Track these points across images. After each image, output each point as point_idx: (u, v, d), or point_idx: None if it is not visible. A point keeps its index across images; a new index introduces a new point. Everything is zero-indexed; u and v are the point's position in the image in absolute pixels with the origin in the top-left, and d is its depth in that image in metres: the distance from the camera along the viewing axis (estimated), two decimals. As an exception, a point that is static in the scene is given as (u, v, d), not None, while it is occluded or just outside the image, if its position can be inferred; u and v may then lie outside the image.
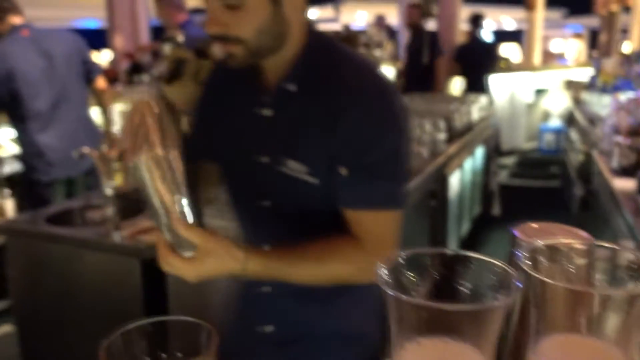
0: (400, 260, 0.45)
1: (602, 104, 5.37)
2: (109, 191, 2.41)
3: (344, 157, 1.19)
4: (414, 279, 0.46)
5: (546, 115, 9.06)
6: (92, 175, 3.46)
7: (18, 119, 3.33)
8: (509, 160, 8.19)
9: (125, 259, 2.32)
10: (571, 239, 0.59)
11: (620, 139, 3.35)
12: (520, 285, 0.40)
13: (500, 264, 0.43)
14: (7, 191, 3.76)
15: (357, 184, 1.19)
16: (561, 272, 0.49)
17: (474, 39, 6.87)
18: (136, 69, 5.10)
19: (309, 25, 1.28)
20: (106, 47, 6.97)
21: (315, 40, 1.28)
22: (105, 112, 3.76)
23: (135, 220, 2.52)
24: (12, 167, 3.85)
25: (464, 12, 9.07)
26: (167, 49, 3.63)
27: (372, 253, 1.18)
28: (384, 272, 0.44)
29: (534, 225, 0.63)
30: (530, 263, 0.45)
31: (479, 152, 5.19)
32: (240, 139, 1.38)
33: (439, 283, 0.46)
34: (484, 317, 0.41)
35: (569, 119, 6.99)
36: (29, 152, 3.36)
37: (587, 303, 0.43)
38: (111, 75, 5.43)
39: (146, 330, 0.62)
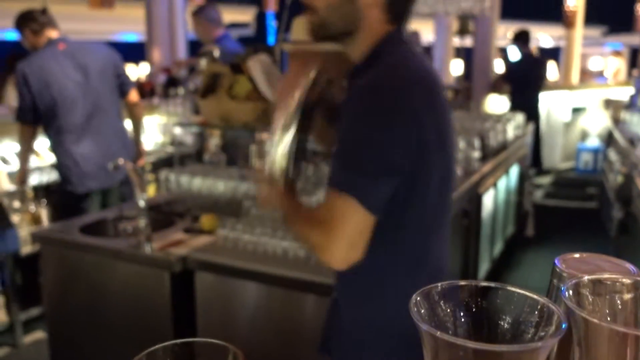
0: (436, 292, 0.43)
1: (643, 125, 5.24)
2: (141, 203, 2.43)
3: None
4: (450, 311, 0.44)
5: (584, 135, 8.86)
6: (126, 186, 3.51)
7: (54, 131, 3.40)
8: (545, 180, 8.02)
9: (155, 270, 2.33)
10: (617, 272, 0.55)
11: (662, 161, 3.24)
12: (565, 326, 0.38)
13: (543, 301, 0.41)
14: (43, 200, 3.83)
15: (332, 165, 1.34)
16: (606, 309, 0.46)
17: (523, 56, 6.74)
18: (172, 82, 5.18)
19: (391, 33, 1.37)
20: (144, 60, 7.12)
21: (388, 45, 1.36)
22: (137, 125, 3.81)
23: (166, 232, 2.54)
24: (50, 177, 3.92)
25: (500, 30, 8.99)
26: (203, 63, 3.67)
27: (322, 231, 1.29)
28: (418, 301, 0.42)
29: (576, 255, 0.60)
30: (574, 300, 0.42)
31: (514, 171, 5.10)
32: None
33: (476, 317, 0.44)
34: (525, 357, 0.38)
35: (608, 139, 6.82)
36: (65, 164, 3.42)
37: (633, 344, 0.40)
38: (148, 88, 5.53)
39: (172, 351, 0.61)
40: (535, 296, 0.41)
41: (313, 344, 1.67)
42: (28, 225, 3.66)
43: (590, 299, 0.48)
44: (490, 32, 7.71)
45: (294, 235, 1.55)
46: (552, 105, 8.47)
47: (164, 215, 2.79)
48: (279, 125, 1.42)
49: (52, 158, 3.54)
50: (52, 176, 3.87)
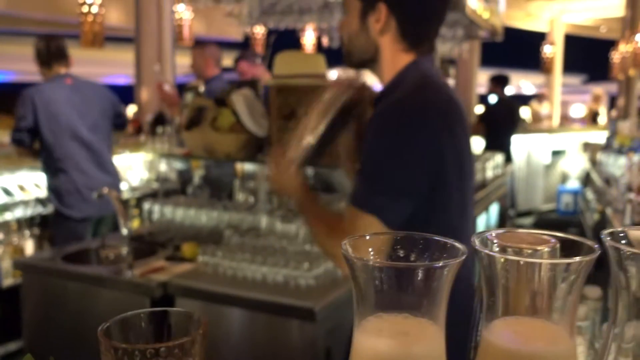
0: (365, 238, 0.51)
1: (617, 165, 5.39)
2: (124, 231, 2.48)
3: None
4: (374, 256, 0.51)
5: (564, 177, 9.04)
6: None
7: (57, 157, 3.57)
8: (527, 221, 8.13)
9: (136, 296, 2.36)
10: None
11: (632, 196, 3.36)
12: (464, 252, 0.46)
13: (450, 241, 0.49)
14: (27, 232, 3.86)
15: (355, 183, 1.45)
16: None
17: (499, 99, 6.96)
18: (160, 121, 5.27)
19: (411, 62, 1.49)
20: (133, 102, 7.24)
21: (409, 72, 1.47)
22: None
23: (148, 260, 2.58)
24: (35, 210, 3.97)
25: (482, 77, 9.27)
26: (188, 97, 3.78)
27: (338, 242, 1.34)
28: (348, 247, 0.49)
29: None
30: (481, 244, 0.50)
31: (494, 209, 5.20)
32: None
33: (398, 260, 0.51)
34: (433, 281, 0.46)
35: (585, 180, 6.98)
36: (66, 188, 3.57)
37: (530, 278, 0.48)
38: (135, 125, 5.62)
39: (143, 318, 0.68)
40: (444, 239, 0.49)
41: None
42: (10, 258, 3.67)
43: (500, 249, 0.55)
44: (470, 77, 7.95)
45: (305, 224, 1.69)
46: (532, 147, 8.67)
47: (146, 245, 2.83)
48: (309, 126, 1.55)
49: (50, 183, 3.68)
50: (36, 209, 3.92)
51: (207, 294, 2.27)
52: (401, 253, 0.51)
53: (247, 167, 3.62)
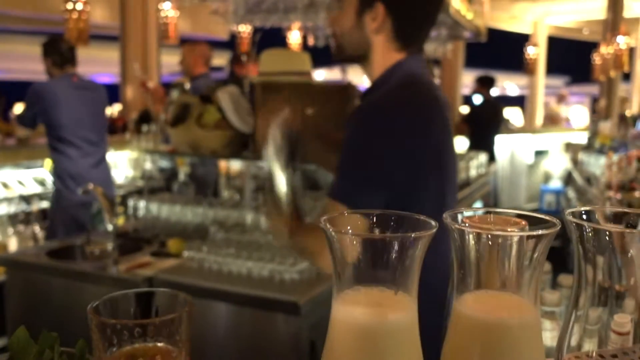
0: (343, 217, 0.54)
1: (598, 164, 5.48)
2: (109, 226, 2.49)
3: None
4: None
5: (547, 177, 9.16)
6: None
7: (63, 145, 3.72)
8: (510, 220, 8.22)
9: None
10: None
11: (611, 194, 3.43)
12: (435, 227, 0.49)
13: (422, 217, 0.52)
14: (10, 229, 3.85)
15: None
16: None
17: (483, 100, 7.04)
18: (145, 118, 5.26)
19: (400, 61, 1.52)
20: (118, 101, 7.22)
21: (396, 71, 1.50)
22: None
23: (134, 256, 2.59)
24: (18, 207, 3.97)
25: (468, 78, 9.36)
26: (174, 94, 3.79)
27: (315, 238, 1.41)
28: (326, 224, 0.52)
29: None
30: (452, 220, 0.53)
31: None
32: None
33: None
34: (406, 254, 0.49)
35: (567, 179, 7.08)
36: (68, 172, 3.72)
37: (496, 252, 0.51)
38: (120, 123, 5.61)
39: (131, 298, 0.70)
40: (417, 216, 0.52)
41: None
42: (-6, 255, 3.66)
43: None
44: (455, 78, 8.03)
45: (297, 252, 1.74)
46: (516, 147, 8.77)
47: (131, 241, 2.84)
48: (273, 160, 1.59)
49: (56, 166, 3.83)
50: (20, 206, 3.94)
51: (192, 289, 2.28)
52: (377, 231, 0.54)
53: (233, 165, 3.64)
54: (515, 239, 0.50)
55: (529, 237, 0.50)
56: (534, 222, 0.55)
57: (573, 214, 0.55)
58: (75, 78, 3.82)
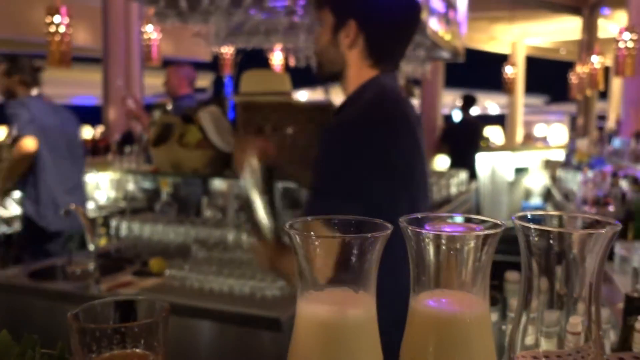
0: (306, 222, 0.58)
1: (576, 181, 5.58)
2: (91, 246, 2.50)
3: None
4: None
5: (528, 193, 9.28)
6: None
7: (38, 169, 3.59)
8: (492, 237, 8.30)
9: (103, 311, 2.37)
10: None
11: (587, 208, 3.51)
12: (387, 230, 0.53)
13: (379, 221, 0.56)
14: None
15: (306, 197, 1.54)
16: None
17: (462, 118, 7.18)
18: (128, 139, 5.28)
19: (373, 78, 1.57)
20: (101, 123, 7.24)
21: (369, 87, 1.55)
22: None
23: (116, 276, 2.60)
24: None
25: (449, 97, 9.53)
26: (156, 114, 3.82)
27: (291, 258, 1.41)
28: (292, 231, 0.56)
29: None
30: (408, 226, 0.57)
31: (459, 224, 5.31)
32: None
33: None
34: (364, 254, 0.53)
35: (547, 195, 7.19)
36: (42, 200, 3.59)
37: (449, 253, 0.55)
38: (102, 145, 5.62)
39: (110, 305, 0.73)
40: (374, 220, 0.56)
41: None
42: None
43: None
44: (435, 97, 8.16)
45: (277, 274, 1.83)
46: (496, 165, 8.90)
47: (113, 261, 2.84)
48: (249, 186, 1.64)
49: (28, 192, 3.68)
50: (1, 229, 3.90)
51: (174, 307, 2.28)
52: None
53: (215, 183, 3.66)
54: (465, 239, 0.54)
55: (477, 236, 0.54)
56: (485, 227, 0.59)
57: (519, 217, 0.59)
58: (46, 99, 3.73)
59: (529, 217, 0.60)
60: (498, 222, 0.56)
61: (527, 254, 0.58)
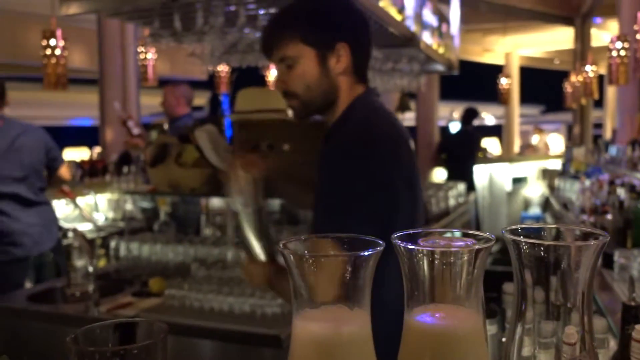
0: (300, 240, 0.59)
1: (573, 190, 5.60)
2: (90, 268, 2.50)
3: None
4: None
5: (526, 203, 9.29)
6: (59, 255, 3.52)
7: None
8: (493, 248, 8.30)
9: (103, 333, 2.36)
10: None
11: (585, 217, 3.51)
12: (379, 247, 0.54)
13: (372, 238, 0.57)
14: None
15: (315, 220, 1.50)
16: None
17: (459, 130, 7.23)
18: (125, 160, 5.30)
19: (360, 95, 1.55)
20: (98, 144, 7.26)
21: (357, 105, 1.53)
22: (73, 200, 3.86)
23: (115, 297, 2.59)
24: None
25: (445, 110, 9.57)
26: (153, 135, 3.84)
27: None
28: (286, 251, 0.57)
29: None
30: (399, 242, 0.58)
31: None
32: None
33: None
34: (358, 270, 0.53)
35: (545, 205, 7.20)
36: (14, 230, 3.39)
37: (442, 268, 0.56)
38: (100, 166, 5.63)
39: (109, 328, 0.74)
40: (366, 237, 0.57)
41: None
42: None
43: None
44: (431, 110, 8.19)
45: (277, 295, 1.83)
46: (494, 175, 8.91)
47: (113, 282, 2.84)
48: (237, 205, 1.65)
49: None
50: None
51: (175, 327, 2.29)
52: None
53: (213, 202, 3.67)
54: (457, 254, 0.55)
55: (469, 251, 0.55)
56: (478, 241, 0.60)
57: (510, 231, 0.60)
58: (0, 122, 3.43)
59: (519, 230, 0.61)
60: (487, 236, 0.57)
61: (519, 266, 0.59)
